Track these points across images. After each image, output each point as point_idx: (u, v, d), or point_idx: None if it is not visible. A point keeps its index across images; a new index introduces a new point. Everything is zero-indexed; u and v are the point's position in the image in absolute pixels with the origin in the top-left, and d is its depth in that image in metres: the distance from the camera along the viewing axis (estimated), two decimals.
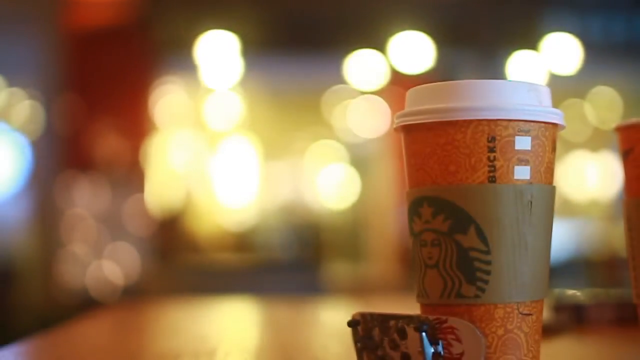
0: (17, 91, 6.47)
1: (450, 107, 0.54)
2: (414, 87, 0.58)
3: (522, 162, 0.54)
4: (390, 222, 6.96)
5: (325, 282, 4.51)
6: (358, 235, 7.55)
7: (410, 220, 0.57)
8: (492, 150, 0.53)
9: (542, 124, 0.55)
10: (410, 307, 1.37)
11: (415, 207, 0.56)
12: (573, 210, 7.10)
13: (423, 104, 0.56)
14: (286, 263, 5.09)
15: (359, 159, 7.83)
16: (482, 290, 0.53)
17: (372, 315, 0.58)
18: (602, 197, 7.41)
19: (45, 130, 6.27)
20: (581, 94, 7.18)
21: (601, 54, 6.25)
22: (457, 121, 0.54)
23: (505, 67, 6.15)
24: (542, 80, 6.13)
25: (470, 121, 0.53)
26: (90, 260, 5.23)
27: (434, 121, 0.54)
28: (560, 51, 6.01)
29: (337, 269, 5.95)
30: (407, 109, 0.57)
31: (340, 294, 4.48)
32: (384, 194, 7.07)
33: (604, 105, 7.40)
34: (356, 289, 5.60)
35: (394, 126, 0.58)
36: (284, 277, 4.53)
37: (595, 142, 7.11)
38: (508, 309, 0.54)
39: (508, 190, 0.54)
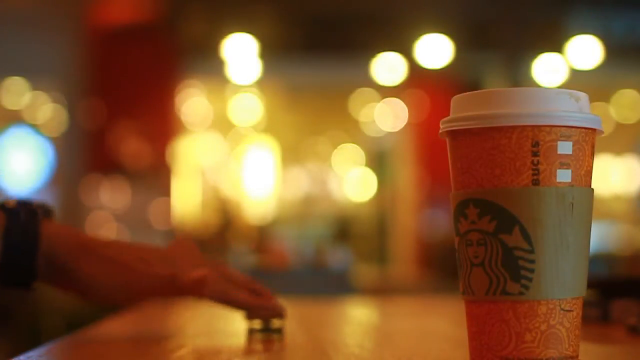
0: (40, 93, 6.52)
1: (496, 113, 0.57)
2: (459, 94, 0.60)
3: (564, 165, 0.57)
4: (411, 223, 6.96)
5: (350, 283, 4.53)
6: (380, 236, 7.56)
7: (456, 220, 0.60)
8: (535, 154, 0.56)
9: (583, 130, 0.58)
10: (434, 308, 1.39)
11: (462, 208, 0.59)
12: (596, 209, 7.09)
13: (469, 111, 0.59)
14: (308, 264, 5.11)
15: (380, 162, 7.83)
16: (526, 287, 0.56)
17: None
18: (625, 197, 7.39)
19: (68, 132, 6.32)
20: (605, 94, 7.15)
21: (624, 54, 6.23)
22: (502, 127, 0.57)
23: (529, 69, 6.14)
24: (565, 80, 6.12)
25: (515, 127, 0.56)
26: None
27: (481, 127, 0.57)
28: (584, 52, 5.99)
29: (360, 270, 5.96)
30: (452, 115, 0.60)
31: (364, 294, 4.49)
32: (406, 197, 7.07)
33: (627, 105, 7.37)
34: (378, 290, 5.61)
35: (440, 131, 0.61)
36: (306, 278, 4.55)
37: (618, 142, 7.09)
38: (550, 306, 0.56)
39: (551, 192, 0.56)
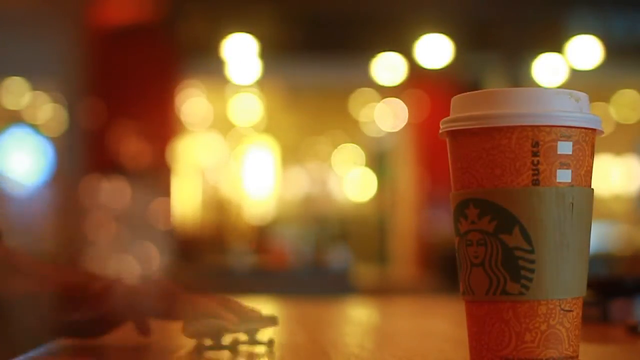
0: (40, 93, 6.51)
1: (496, 113, 0.57)
2: (459, 94, 0.60)
3: (564, 165, 0.57)
4: (411, 223, 6.96)
5: (350, 283, 4.53)
6: (380, 236, 7.56)
7: (456, 221, 0.60)
8: (535, 154, 0.56)
9: (583, 130, 0.58)
10: (434, 308, 1.39)
11: (462, 208, 0.59)
12: (596, 209, 7.08)
13: (469, 111, 0.59)
14: (308, 264, 5.11)
15: (380, 162, 7.83)
16: (526, 287, 0.56)
17: None
18: (625, 197, 7.39)
19: (68, 132, 6.31)
20: (605, 94, 7.15)
21: (624, 54, 6.23)
22: (502, 127, 0.57)
23: (529, 69, 6.13)
24: (565, 80, 6.12)
25: (515, 127, 0.56)
26: (114, 259, 5.27)
27: (481, 127, 0.57)
28: (584, 52, 5.99)
29: (360, 270, 5.96)
30: (452, 115, 0.60)
31: (364, 294, 4.49)
32: (406, 197, 7.07)
33: (627, 105, 7.37)
34: (378, 290, 5.61)
35: (440, 131, 0.61)
36: (306, 278, 4.55)
37: (618, 142, 7.09)
38: (550, 306, 0.56)
39: (551, 192, 0.56)
